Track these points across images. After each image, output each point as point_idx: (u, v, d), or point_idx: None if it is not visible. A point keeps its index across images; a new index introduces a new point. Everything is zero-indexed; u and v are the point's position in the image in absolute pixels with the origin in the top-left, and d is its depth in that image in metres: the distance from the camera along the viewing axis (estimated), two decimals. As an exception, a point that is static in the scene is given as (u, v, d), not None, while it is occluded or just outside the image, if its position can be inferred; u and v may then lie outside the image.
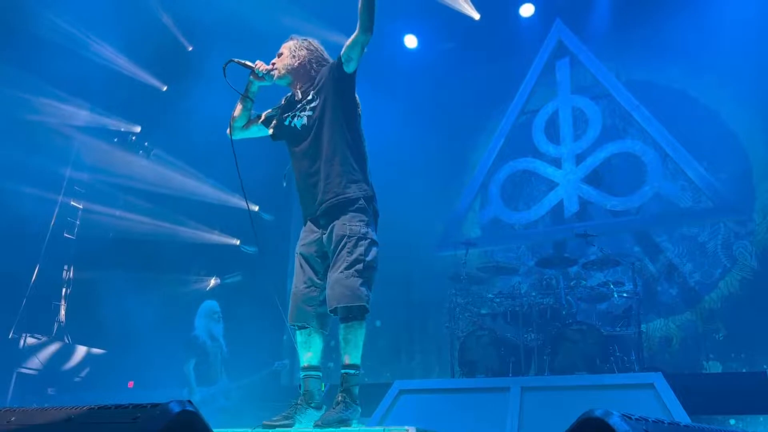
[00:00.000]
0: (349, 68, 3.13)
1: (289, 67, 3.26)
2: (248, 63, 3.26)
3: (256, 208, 8.87)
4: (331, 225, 3.02)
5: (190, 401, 1.25)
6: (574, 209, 7.90)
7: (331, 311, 2.94)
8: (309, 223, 3.19)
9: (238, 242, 8.78)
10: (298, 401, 2.96)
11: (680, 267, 7.17)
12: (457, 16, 8.41)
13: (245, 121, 3.36)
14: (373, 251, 3.01)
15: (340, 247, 2.95)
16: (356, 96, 3.24)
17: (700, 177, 7.23)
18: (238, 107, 3.32)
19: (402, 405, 4.97)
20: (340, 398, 2.84)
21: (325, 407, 2.99)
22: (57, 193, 7.55)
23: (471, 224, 8.66)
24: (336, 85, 3.15)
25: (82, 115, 7.62)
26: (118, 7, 6.87)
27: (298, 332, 3.11)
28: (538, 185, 8.34)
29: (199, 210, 8.22)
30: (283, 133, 3.32)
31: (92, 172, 7.86)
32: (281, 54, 3.31)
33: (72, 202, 7.83)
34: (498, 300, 6.48)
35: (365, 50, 3.09)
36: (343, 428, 2.60)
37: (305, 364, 3.06)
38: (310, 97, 3.20)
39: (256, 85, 3.29)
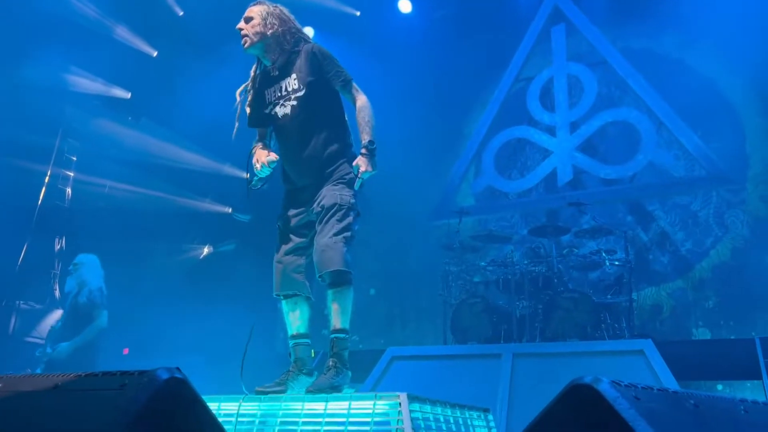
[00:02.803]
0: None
1: (261, 35, 3.06)
2: (256, 176, 3.14)
3: (247, 176, 8.81)
4: (321, 195, 3.01)
5: (178, 368, 1.24)
6: (568, 178, 7.89)
7: (319, 276, 2.94)
8: (291, 194, 3.18)
9: (230, 210, 8.75)
10: (290, 368, 2.98)
11: (672, 236, 7.20)
12: (453, -19, 8.29)
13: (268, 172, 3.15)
14: (357, 221, 3.06)
15: (331, 213, 2.95)
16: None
17: (695, 146, 7.22)
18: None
19: (394, 371, 5.02)
20: (330, 363, 2.86)
21: (316, 373, 3.01)
22: (47, 163, 7.48)
23: (465, 193, 8.65)
24: (324, 79, 3.08)
25: (71, 80, 7.50)
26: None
27: (284, 301, 3.11)
28: (532, 153, 8.32)
29: (191, 178, 8.17)
30: (263, 119, 3.22)
31: (83, 140, 7.77)
32: (250, 18, 3.08)
33: (63, 172, 7.76)
34: (491, 268, 6.51)
35: None
36: (334, 394, 2.62)
37: (294, 332, 3.08)
38: (296, 86, 3.08)
39: (267, 170, 3.12)
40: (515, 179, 8.34)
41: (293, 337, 3.08)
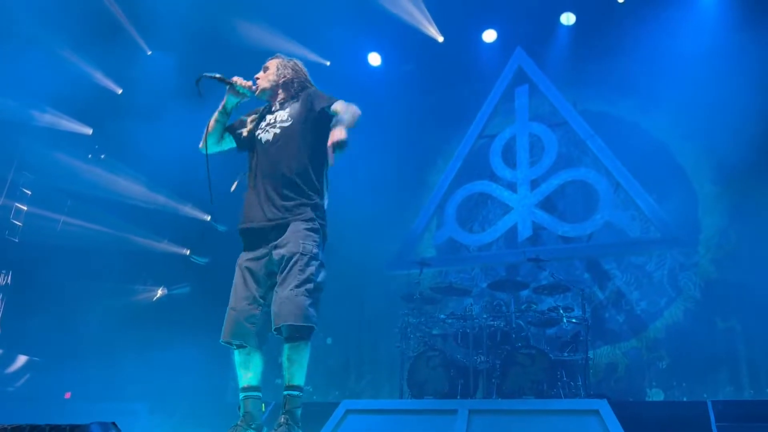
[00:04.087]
0: (326, 116, 3.13)
1: (272, 83, 3.27)
2: (223, 78, 3.18)
3: (208, 218, 8.70)
4: (282, 242, 2.95)
5: (114, 423, 1.17)
6: (528, 233, 8.00)
7: (275, 330, 2.85)
8: (253, 236, 3.09)
9: (188, 252, 8.57)
10: (239, 422, 2.86)
11: (628, 294, 7.32)
12: (422, 38, 8.51)
13: (219, 136, 3.28)
14: (322, 273, 2.98)
15: (292, 263, 2.88)
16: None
17: (650, 208, 7.42)
18: (212, 122, 3.23)
19: (348, 425, 4.87)
20: (282, 420, 2.76)
21: (266, 429, 2.90)
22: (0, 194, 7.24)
23: (426, 244, 8.68)
24: (313, 115, 3.14)
25: (30, 114, 7.35)
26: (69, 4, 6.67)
27: (236, 352, 3.00)
28: (493, 208, 8.43)
29: (149, 218, 8.00)
30: (248, 144, 3.26)
31: (38, 175, 7.57)
32: (267, 69, 3.33)
33: (16, 205, 7.51)
34: (450, 321, 6.48)
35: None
36: (284, 451, 2.52)
37: (245, 385, 2.97)
38: (284, 117, 3.17)
39: (233, 101, 3.22)
40: (476, 233, 8.41)
41: (244, 389, 2.96)
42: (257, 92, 3.26)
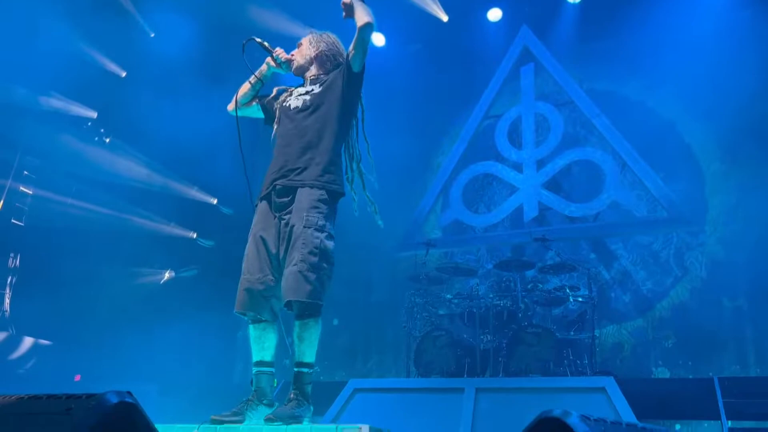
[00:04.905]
0: (355, 66, 3.15)
1: (307, 57, 3.28)
2: (269, 46, 3.25)
3: (215, 201, 8.71)
4: (289, 211, 2.94)
5: (129, 392, 1.18)
6: (534, 214, 7.99)
7: (285, 305, 2.86)
8: (264, 204, 3.10)
9: (194, 235, 8.59)
10: (250, 397, 2.88)
11: (633, 274, 7.31)
12: (426, 17, 8.43)
13: (249, 100, 3.34)
14: (329, 245, 2.91)
15: (296, 237, 2.86)
16: (360, 100, 3.27)
17: (657, 187, 7.39)
18: (246, 86, 3.32)
19: (356, 404, 4.92)
20: (292, 396, 2.78)
21: (277, 404, 2.92)
22: (5, 177, 7.25)
23: (432, 226, 8.67)
24: (341, 82, 3.16)
25: (35, 98, 7.33)
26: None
27: (252, 326, 3.01)
28: (499, 189, 8.41)
29: (155, 201, 8.01)
30: (275, 113, 3.29)
31: (44, 158, 7.57)
32: (300, 45, 3.33)
33: (21, 188, 7.53)
34: (456, 301, 6.50)
35: (368, 46, 3.14)
36: (294, 425, 2.54)
37: (259, 359, 2.98)
38: (317, 88, 3.20)
39: (272, 70, 3.30)
40: (482, 214, 8.40)
41: (257, 364, 2.97)
42: (293, 68, 3.28)
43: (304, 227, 2.85)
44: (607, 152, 7.79)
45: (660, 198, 7.35)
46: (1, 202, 7.11)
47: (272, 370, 2.99)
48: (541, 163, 8.16)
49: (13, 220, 7.26)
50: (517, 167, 8.31)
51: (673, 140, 7.45)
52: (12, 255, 7.22)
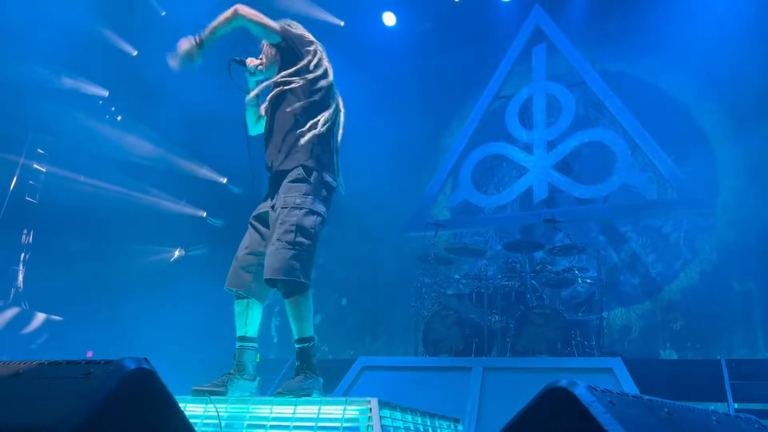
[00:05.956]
0: (271, 41, 3.11)
1: (270, 55, 3.21)
2: (240, 60, 3.23)
3: (224, 180, 8.74)
4: (275, 197, 2.99)
5: (146, 359, 1.21)
6: (543, 195, 7.97)
7: (267, 284, 2.89)
8: (267, 190, 3.18)
9: (204, 214, 8.64)
10: (231, 371, 2.93)
11: (643, 257, 7.30)
12: (438, -4, 8.37)
13: (254, 118, 3.31)
14: (308, 220, 2.86)
15: (275, 219, 2.91)
16: (309, 66, 3.09)
17: (668, 169, 7.35)
18: (247, 110, 3.30)
19: (365, 381, 4.99)
20: (299, 369, 2.82)
21: (259, 378, 2.99)
22: (19, 155, 7.31)
23: (441, 207, 8.68)
24: (275, 59, 3.15)
25: (48, 76, 7.36)
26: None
27: (236, 302, 3.06)
28: (508, 170, 8.38)
29: (166, 180, 8.06)
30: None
31: (56, 136, 7.62)
32: (263, 44, 3.25)
33: (35, 165, 7.59)
34: (464, 281, 6.53)
35: (256, 24, 3.02)
36: (304, 397, 2.58)
37: (241, 334, 3.03)
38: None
39: (252, 81, 3.26)
40: (491, 195, 8.39)
41: (239, 339, 3.03)
42: (264, 70, 3.23)
43: (282, 207, 2.88)
44: (619, 134, 7.73)
45: (671, 180, 7.31)
46: (15, 179, 7.17)
47: (255, 345, 3.03)
48: (551, 144, 8.12)
49: (26, 197, 7.33)
50: (528, 148, 8.28)
51: (685, 122, 7.38)
52: (25, 231, 7.30)
